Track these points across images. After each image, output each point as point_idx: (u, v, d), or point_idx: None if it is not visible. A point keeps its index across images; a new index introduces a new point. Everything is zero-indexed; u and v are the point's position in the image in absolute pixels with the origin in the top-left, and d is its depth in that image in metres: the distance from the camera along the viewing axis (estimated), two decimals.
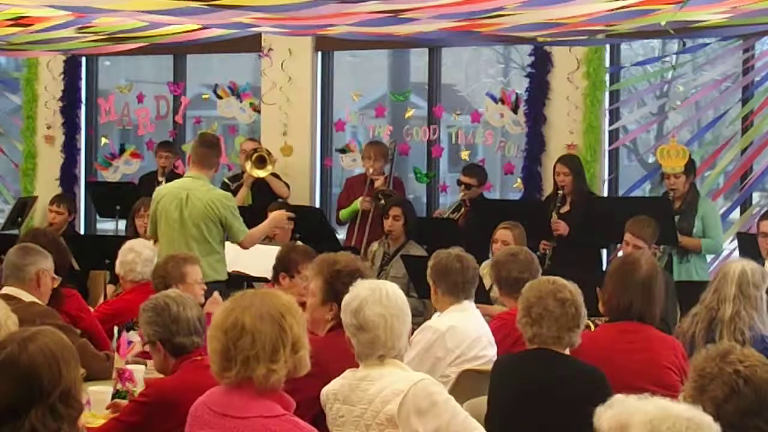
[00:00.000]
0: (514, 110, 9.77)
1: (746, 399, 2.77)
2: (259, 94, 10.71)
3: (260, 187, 9.71)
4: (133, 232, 8.62)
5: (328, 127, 10.61)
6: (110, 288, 8.02)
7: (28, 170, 11.67)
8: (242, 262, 7.60)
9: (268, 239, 8.45)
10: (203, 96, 11.35)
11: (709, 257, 8.30)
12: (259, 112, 10.77)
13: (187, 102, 11.16)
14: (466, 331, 5.37)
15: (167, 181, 9.64)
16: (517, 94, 9.80)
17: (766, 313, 5.26)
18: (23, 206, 10.56)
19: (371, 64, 12.34)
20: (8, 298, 5.26)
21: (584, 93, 9.41)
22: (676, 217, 8.02)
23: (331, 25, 7.77)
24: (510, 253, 6.01)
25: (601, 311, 5.17)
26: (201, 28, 8.20)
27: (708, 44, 9.20)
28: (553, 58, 9.52)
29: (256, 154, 9.62)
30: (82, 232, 11.22)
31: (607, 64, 9.47)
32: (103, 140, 11.56)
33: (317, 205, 10.38)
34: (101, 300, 7.61)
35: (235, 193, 9.71)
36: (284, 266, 5.99)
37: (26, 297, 5.36)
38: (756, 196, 9.45)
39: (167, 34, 8.47)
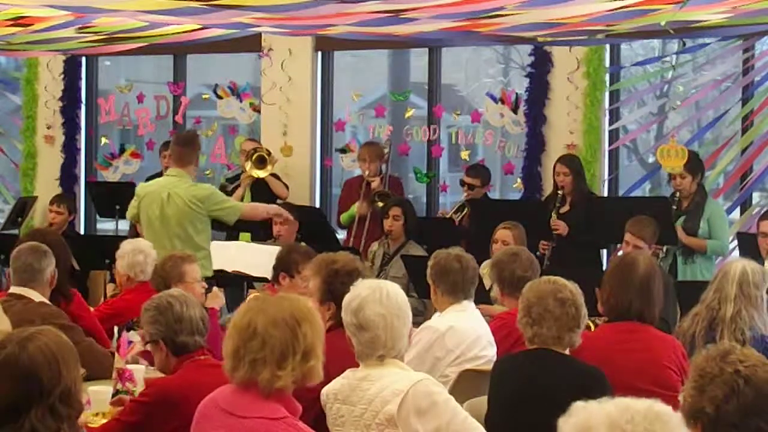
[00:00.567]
0: (514, 110, 9.77)
1: (746, 399, 2.77)
2: (259, 94, 10.71)
3: (259, 188, 9.72)
4: (133, 233, 8.62)
5: (328, 127, 10.61)
6: (109, 287, 8.02)
7: (28, 170, 11.67)
8: (243, 262, 7.61)
9: (272, 239, 8.46)
10: (203, 96, 11.36)
11: (716, 258, 8.29)
12: (259, 112, 10.77)
13: (187, 102, 11.17)
14: (466, 331, 5.37)
15: None
16: (517, 94, 9.80)
17: (766, 312, 5.26)
18: (23, 206, 10.56)
19: (371, 64, 12.34)
20: (19, 298, 5.28)
21: (584, 93, 9.41)
22: (683, 217, 8.02)
23: (331, 25, 7.77)
24: (511, 253, 6.02)
25: (600, 311, 5.17)
26: (201, 28, 8.20)
27: (708, 44, 9.19)
28: (553, 58, 9.52)
29: (256, 155, 9.63)
30: (82, 232, 11.22)
31: (607, 64, 9.47)
32: (103, 140, 11.57)
33: (317, 205, 10.38)
34: (101, 300, 7.61)
35: (231, 193, 9.74)
36: (284, 266, 5.98)
37: (36, 297, 5.37)
38: (756, 196, 9.45)
39: (167, 34, 8.46)
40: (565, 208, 8.58)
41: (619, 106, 9.66)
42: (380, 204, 8.95)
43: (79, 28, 8.13)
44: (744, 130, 9.19)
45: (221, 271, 7.49)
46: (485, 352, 5.37)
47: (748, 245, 7.76)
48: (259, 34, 9.91)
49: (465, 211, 9.04)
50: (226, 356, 3.48)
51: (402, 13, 6.87)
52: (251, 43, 10.13)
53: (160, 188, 7.58)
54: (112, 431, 4.30)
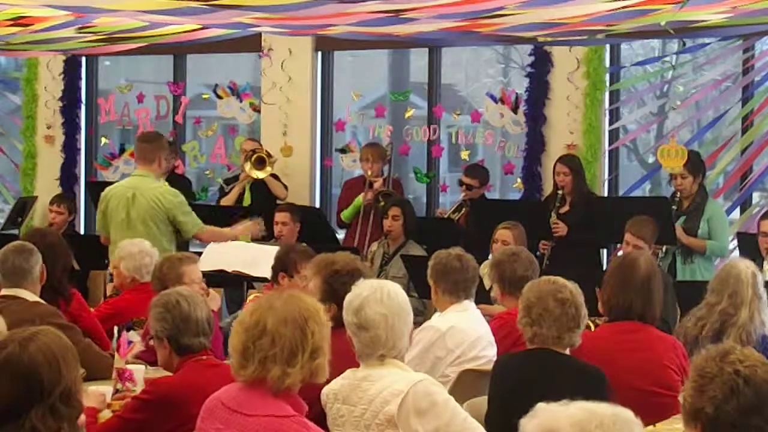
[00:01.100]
0: (514, 110, 9.76)
1: (746, 399, 2.76)
2: (259, 94, 10.71)
3: (259, 188, 9.72)
4: None
5: (328, 127, 10.61)
6: (109, 287, 8.02)
7: (28, 170, 11.67)
8: (242, 262, 7.60)
9: (274, 239, 8.47)
10: (203, 96, 11.36)
11: (714, 259, 8.28)
12: (259, 112, 10.77)
13: (187, 102, 11.16)
14: (467, 331, 5.37)
15: (168, 180, 9.67)
16: (517, 94, 9.80)
17: (765, 312, 5.27)
18: (23, 206, 10.56)
19: (371, 64, 12.33)
20: (12, 299, 5.27)
21: (584, 93, 9.41)
22: (683, 218, 8.02)
23: (331, 25, 7.77)
24: (511, 253, 6.02)
25: (601, 311, 5.17)
26: (201, 28, 8.20)
27: (708, 44, 9.20)
28: (553, 58, 9.52)
29: (255, 155, 9.63)
30: (82, 232, 11.22)
31: (607, 64, 9.47)
32: (103, 140, 11.57)
33: (317, 205, 10.38)
34: (101, 300, 7.61)
35: (227, 193, 9.74)
36: (284, 266, 5.98)
37: (30, 297, 5.36)
38: (756, 196, 9.45)
39: (167, 34, 8.46)
40: (565, 208, 8.58)
41: (619, 106, 9.66)
42: (382, 204, 8.96)
43: (79, 28, 8.13)
44: (744, 130, 9.19)
45: (221, 271, 7.48)
46: (485, 352, 5.37)
47: (748, 245, 7.76)
48: (259, 34, 9.91)
49: (462, 211, 9.05)
50: (233, 354, 3.48)
51: (402, 13, 6.87)
52: (251, 43, 10.13)
53: (125, 189, 7.57)
54: (113, 428, 4.30)
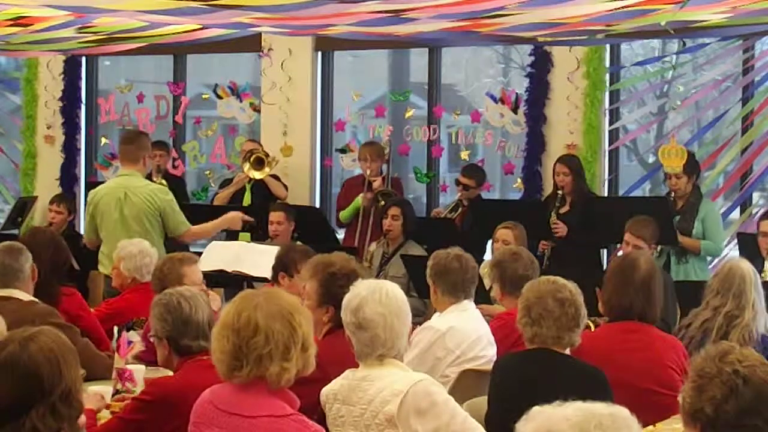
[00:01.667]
0: (514, 110, 9.77)
1: (745, 399, 2.76)
2: (259, 94, 10.71)
3: (259, 188, 9.72)
4: None
5: (328, 127, 10.61)
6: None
7: (28, 170, 11.67)
8: (242, 262, 7.61)
9: (269, 239, 8.47)
10: (203, 96, 11.36)
11: (708, 259, 8.29)
12: (259, 112, 10.77)
13: (187, 102, 11.17)
14: (466, 331, 5.37)
15: (164, 179, 9.71)
16: (517, 94, 9.80)
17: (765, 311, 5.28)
18: (23, 206, 10.56)
19: (371, 64, 12.33)
20: (6, 299, 5.26)
21: (584, 93, 9.41)
22: (677, 218, 8.03)
23: (331, 25, 7.77)
24: (512, 252, 6.02)
25: (601, 311, 5.17)
26: (201, 28, 8.20)
27: (708, 44, 9.20)
28: (553, 58, 9.52)
29: (253, 156, 9.63)
30: (82, 232, 11.21)
31: (607, 64, 9.48)
32: (103, 140, 11.57)
33: (317, 205, 10.38)
34: (101, 300, 7.61)
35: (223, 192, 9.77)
36: (283, 266, 5.98)
37: (24, 297, 5.34)
38: (756, 196, 9.46)
39: (167, 34, 8.47)
40: (565, 208, 8.58)
41: (619, 106, 9.66)
42: (382, 203, 8.95)
43: (79, 28, 8.13)
44: (744, 130, 9.20)
45: (221, 271, 7.49)
46: (485, 352, 5.37)
47: (748, 245, 7.76)
48: (259, 34, 9.91)
49: (459, 211, 9.04)
50: (222, 357, 3.46)
51: (402, 13, 6.87)
52: (251, 43, 10.13)
53: (115, 189, 7.60)
54: (113, 429, 4.30)
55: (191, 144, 11.22)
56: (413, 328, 4.24)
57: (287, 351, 3.43)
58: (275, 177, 9.87)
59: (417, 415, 3.89)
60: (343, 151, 10.44)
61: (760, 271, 6.34)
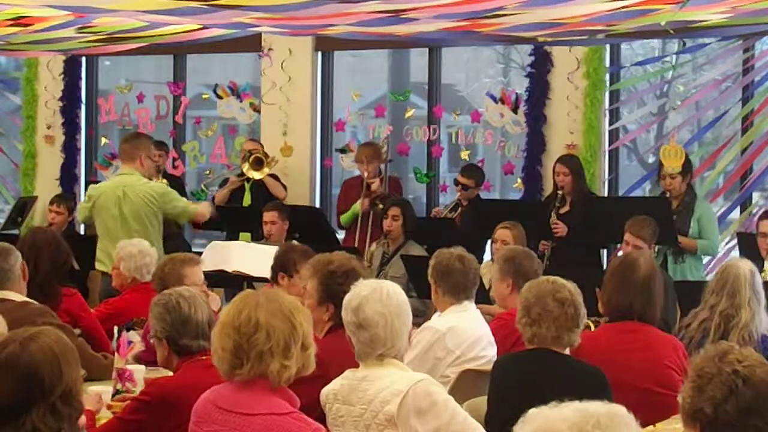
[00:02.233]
0: (514, 110, 9.77)
1: (745, 399, 2.76)
2: (259, 94, 10.71)
3: (258, 188, 9.73)
4: None
5: (328, 127, 10.61)
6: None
7: (28, 170, 11.67)
8: (242, 262, 7.61)
9: (264, 239, 8.48)
10: (203, 96, 11.36)
11: (705, 258, 8.31)
12: (259, 112, 10.77)
13: (187, 102, 11.17)
14: (467, 331, 5.37)
15: (165, 178, 9.73)
16: (517, 94, 9.81)
17: (765, 311, 5.28)
18: (23, 206, 10.56)
19: (371, 64, 12.33)
20: (0, 301, 5.24)
21: (584, 93, 9.41)
22: (673, 217, 8.03)
23: (331, 25, 7.77)
24: (523, 249, 6.06)
25: (601, 311, 5.17)
26: (201, 28, 8.20)
27: (708, 44, 9.20)
28: (553, 58, 9.52)
29: (253, 156, 9.64)
30: (82, 232, 11.22)
31: (607, 64, 9.48)
32: (103, 140, 11.57)
33: (317, 205, 10.38)
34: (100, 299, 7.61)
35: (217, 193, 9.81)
36: (283, 266, 5.98)
37: (17, 297, 5.31)
38: (756, 196, 9.45)
39: (167, 34, 8.47)
40: (565, 209, 8.57)
41: (619, 106, 9.66)
42: (380, 207, 8.94)
43: (79, 28, 8.13)
44: (744, 130, 9.20)
45: (221, 271, 7.49)
46: (485, 352, 5.37)
47: (748, 245, 7.76)
48: (259, 34, 9.91)
49: (458, 211, 9.04)
50: (223, 355, 3.47)
51: (402, 13, 6.87)
52: (251, 43, 10.13)
53: (115, 187, 7.78)
54: (112, 430, 4.30)
55: (191, 144, 11.22)
56: (413, 329, 4.24)
57: (288, 348, 3.43)
58: (274, 177, 9.87)
59: (417, 415, 3.89)
60: (343, 151, 10.44)
61: (760, 271, 6.33)
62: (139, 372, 4.85)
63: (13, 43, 9.03)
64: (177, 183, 10.21)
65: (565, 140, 9.48)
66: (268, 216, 8.63)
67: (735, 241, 8.47)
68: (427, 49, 10.17)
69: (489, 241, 7.90)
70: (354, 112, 10.66)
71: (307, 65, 10.49)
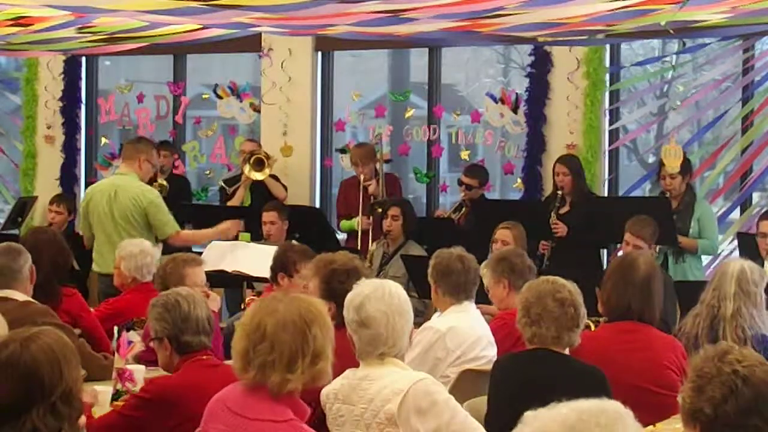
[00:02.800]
0: (514, 110, 9.76)
1: (745, 399, 2.76)
2: (259, 94, 10.71)
3: (258, 189, 9.72)
4: None
5: (328, 127, 10.61)
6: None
7: (28, 170, 11.67)
8: (242, 262, 7.61)
9: (264, 239, 8.48)
10: (203, 96, 11.36)
11: (705, 258, 8.31)
12: (259, 112, 10.77)
13: (187, 102, 11.17)
14: (467, 331, 5.37)
15: (168, 180, 9.73)
16: (517, 94, 9.80)
17: (765, 311, 5.26)
18: (23, 206, 10.56)
19: (371, 64, 12.34)
20: (2, 300, 5.25)
21: (584, 93, 9.41)
22: (673, 217, 8.03)
23: (331, 25, 7.77)
24: (512, 249, 6.07)
25: (601, 311, 5.17)
26: (201, 28, 8.20)
27: (708, 44, 9.20)
28: (553, 58, 9.52)
29: (254, 157, 9.63)
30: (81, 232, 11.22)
31: (607, 64, 9.47)
32: (103, 140, 11.56)
33: (317, 205, 10.38)
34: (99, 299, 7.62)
35: (232, 195, 9.75)
36: (282, 266, 5.98)
37: (20, 297, 5.33)
38: (756, 196, 9.45)
39: (167, 34, 8.47)
40: (565, 209, 8.58)
41: (619, 106, 9.66)
42: (380, 210, 8.93)
43: (79, 28, 8.13)
44: (744, 130, 9.20)
45: (221, 271, 7.49)
46: (486, 352, 5.37)
47: (748, 245, 7.76)
48: (259, 34, 9.91)
49: (462, 211, 9.03)
50: (235, 356, 3.46)
51: (402, 13, 6.87)
52: (251, 43, 10.13)
53: (108, 186, 7.87)
54: (111, 422, 4.32)
55: (191, 144, 11.22)
56: (413, 329, 4.24)
57: (292, 363, 3.37)
58: (275, 177, 9.87)
59: (417, 415, 3.89)
60: (343, 151, 10.44)
61: None
62: (139, 372, 4.85)
63: (13, 43, 9.03)
64: (183, 184, 10.22)
65: (565, 140, 9.47)
66: (268, 216, 8.63)
67: (735, 241, 8.46)
68: (427, 49, 10.16)
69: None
70: (354, 112, 10.66)
71: (307, 65, 10.49)
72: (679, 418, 2.93)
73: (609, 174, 9.55)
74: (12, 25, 7.92)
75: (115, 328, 5.59)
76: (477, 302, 5.68)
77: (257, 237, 8.81)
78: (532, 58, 9.59)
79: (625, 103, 9.82)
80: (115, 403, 4.59)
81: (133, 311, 5.85)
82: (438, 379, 4.52)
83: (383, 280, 4.23)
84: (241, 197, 9.70)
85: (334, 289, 4.64)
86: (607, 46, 9.39)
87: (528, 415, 2.30)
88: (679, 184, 8.10)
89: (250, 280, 7.61)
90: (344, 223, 9.43)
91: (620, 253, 7.70)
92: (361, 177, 9.29)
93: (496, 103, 9.88)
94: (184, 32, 8.36)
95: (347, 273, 4.68)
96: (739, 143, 9.21)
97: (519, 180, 9.74)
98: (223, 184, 10.10)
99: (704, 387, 2.79)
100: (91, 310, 6.15)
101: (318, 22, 7.54)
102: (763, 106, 9.07)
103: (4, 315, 4.44)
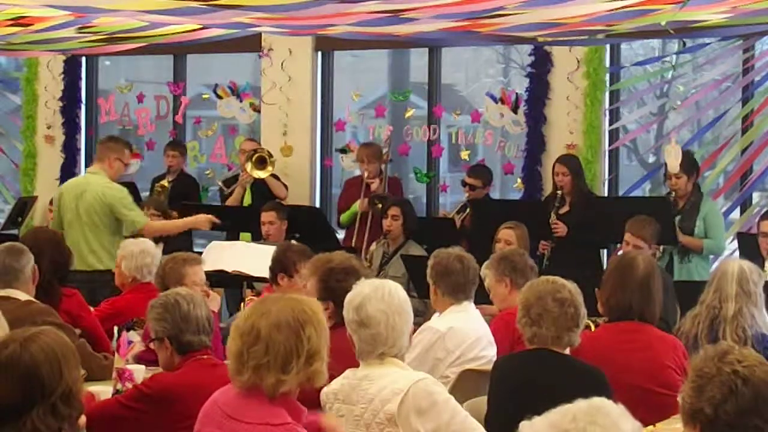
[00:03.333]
0: (514, 110, 9.76)
1: (744, 399, 2.76)
2: (259, 94, 10.71)
3: (259, 188, 9.72)
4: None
5: (328, 127, 10.61)
6: None
7: (28, 170, 11.68)
8: (242, 262, 7.61)
9: (263, 239, 8.48)
10: (203, 96, 11.36)
11: (711, 258, 8.29)
12: (259, 112, 10.77)
13: (187, 102, 11.17)
14: (466, 331, 5.37)
15: (175, 179, 9.77)
16: (517, 94, 9.80)
17: (764, 311, 5.27)
18: (23, 206, 10.55)
19: (371, 64, 12.34)
20: (5, 299, 5.25)
21: (584, 93, 9.41)
22: (678, 217, 8.03)
23: (331, 25, 7.77)
24: (514, 249, 6.06)
25: (601, 311, 5.17)
26: (201, 28, 8.20)
27: (708, 44, 9.20)
28: (553, 58, 9.52)
29: (256, 155, 9.64)
30: None
31: (607, 64, 9.48)
32: None
33: (317, 205, 10.38)
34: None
35: (229, 196, 9.76)
36: (282, 266, 5.97)
37: (22, 296, 5.34)
38: (756, 196, 9.46)
39: (167, 34, 8.47)
40: (565, 209, 8.58)
41: (619, 106, 9.66)
42: (379, 206, 8.94)
43: (79, 28, 8.13)
44: (744, 130, 9.20)
45: (221, 271, 7.49)
46: (485, 352, 5.37)
47: (748, 245, 7.76)
48: (259, 34, 9.91)
49: (467, 212, 9.03)
50: (230, 358, 3.46)
51: (402, 13, 6.87)
52: (251, 43, 10.13)
53: (77, 185, 8.15)
54: (110, 409, 4.35)
55: (191, 144, 11.22)
56: (413, 329, 4.24)
57: (287, 364, 3.35)
58: (275, 177, 9.87)
59: (417, 415, 3.89)
60: (343, 151, 10.44)
61: (762, 271, 6.33)
62: (139, 372, 4.85)
63: (13, 43, 9.04)
64: (192, 184, 10.21)
65: (565, 140, 9.48)
66: (267, 216, 8.63)
67: (736, 241, 8.46)
68: (427, 49, 10.16)
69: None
70: (354, 112, 10.66)
71: (307, 65, 10.49)
72: (679, 418, 2.93)
73: (609, 174, 9.55)
74: (12, 25, 7.92)
75: (115, 328, 5.59)
76: (477, 302, 5.67)
77: (258, 237, 8.82)
78: (532, 58, 9.60)
79: (625, 103, 9.82)
80: (116, 396, 4.59)
81: (133, 311, 5.84)
82: (438, 379, 4.52)
83: (383, 280, 4.23)
84: (239, 197, 9.70)
85: (332, 288, 4.64)
86: (607, 46, 9.39)
87: (524, 423, 2.32)
88: (684, 183, 8.09)
89: (250, 280, 7.61)
90: (344, 216, 9.42)
91: (620, 253, 7.70)
92: (366, 174, 9.31)
93: (496, 103, 9.88)
94: (184, 32, 8.37)
95: (345, 272, 4.68)
96: (739, 143, 9.21)
97: (519, 180, 9.74)
98: (221, 184, 10.11)
99: (704, 387, 2.79)
100: (91, 309, 6.15)
101: (318, 22, 7.54)
102: (763, 106, 9.07)
103: (5, 314, 4.45)
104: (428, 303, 6.87)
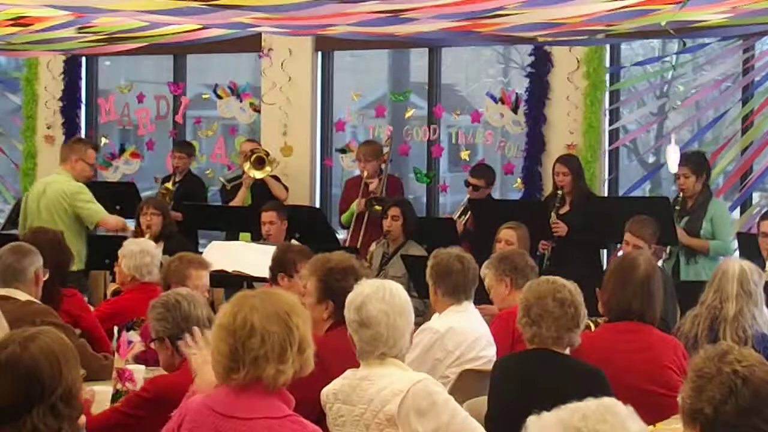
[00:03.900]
0: (514, 110, 9.77)
1: (744, 399, 2.77)
2: (259, 94, 10.71)
3: (259, 188, 9.72)
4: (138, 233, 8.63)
5: (328, 127, 10.61)
6: (110, 287, 8.04)
7: (28, 170, 11.68)
8: (242, 262, 7.62)
9: (263, 239, 8.48)
10: (203, 96, 11.36)
11: (720, 259, 8.26)
12: (259, 112, 10.77)
13: (187, 102, 11.17)
14: (466, 332, 5.37)
15: (183, 180, 9.76)
16: (517, 94, 9.80)
17: (765, 311, 5.27)
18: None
19: (371, 64, 12.34)
20: (5, 299, 5.25)
21: (584, 93, 9.41)
22: (686, 218, 8.01)
23: (331, 25, 7.77)
24: (514, 249, 6.07)
25: (601, 311, 5.17)
26: (201, 28, 8.20)
27: (708, 44, 9.20)
28: (553, 58, 9.52)
29: (254, 155, 9.63)
30: None
31: (607, 64, 9.48)
32: (103, 140, 11.56)
33: (317, 205, 10.38)
34: (101, 300, 7.62)
35: (233, 194, 9.76)
36: (282, 266, 5.97)
37: (22, 296, 5.34)
38: (756, 196, 9.45)
39: (167, 34, 8.47)
40: (565, 209, 8.58)
41: (619, 106, 9.66)
42: (377, 208, 8.93)
43: (79, 28, 8.13)
44: (744, 130, 9.20)
45: (222, 271, 7.49)
46: (485, 352, 5.37)
47: (749, 245, 7.75)
48: (259, 34, 9.91)
49: (469, 214, 9.02)
50: (219, 359, 3.44)
51: (402, 13, 6.87)
52: (251, 43, 10.13)
53: (41, 184, 8.60)
54: (110, 419, 4.33)
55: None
56: (413, 329, 4.24)
57: (283, 353, 3.37)
58: (275, 178, 9.87)
59: (417, 415, 3.89)
60: (343, 151, 10.44)
61: (763, 271, 6.32)
62: (139, 372, 4.85)
63: (13, 43, 9.03)
64: (198, 184, 10.20)
65: (565, 140, 9.48)
66: (267, 216, 8.63)
67: (735, 241, 8.45)
68: (427, 49, 10.17)
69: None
70: (354, 112, 10.66)
71: (307, 65, 10.49)
72: (679, 418, 2.93)
73: (609, 174, 9.55)
74: (12, 25, 7.92)
75: (115, 328, 5.59)
76: (477, 302, 5.67)
77: (258, 237, 8.82)
78: (532, 58, 9.60)
79: (625, 103, 9.82)
80: (115, 405, 4.59)
81: (133, 311, 5.85)
82: (438, 379, 4.53)
83: (384, 280, 4.23)
84: (243, 197, 9.70)
85: (332, 288, 4.65)
86: (607, 46, 9.39)
87: (531, 419, 2.32)
88: (692, 183, 8.07)
89: (250, 280, 7.61)
90: (344, 216, 9.43)
91: (620, 253, 7.70)
92: (365, 173, 9.30)
93: (496, 103, 9.88)
94: (184, 32, 8.36)
95: (344, 271, 4.69)
96: (739, 143, 9.21)
97: (519, 180, 9.74)
98: (224, 181, 10.10)
99: (704, 387, 2.79)
100: (92, 309, 6.15)
101: (318, 22, 7.54)
102: (763, 106, 9.07)
103: (5, 314, 4.45)
104: (428, 303, 6.88)
